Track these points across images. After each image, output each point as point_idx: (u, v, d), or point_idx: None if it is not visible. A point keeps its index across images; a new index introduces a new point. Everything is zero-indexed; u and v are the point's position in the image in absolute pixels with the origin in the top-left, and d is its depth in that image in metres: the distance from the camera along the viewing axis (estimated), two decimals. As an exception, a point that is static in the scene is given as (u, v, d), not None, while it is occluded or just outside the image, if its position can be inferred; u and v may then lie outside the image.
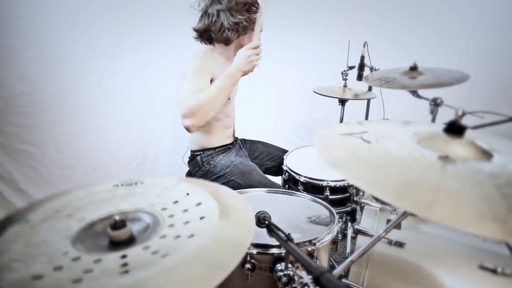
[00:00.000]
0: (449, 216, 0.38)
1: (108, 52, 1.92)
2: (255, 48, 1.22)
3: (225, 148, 1.55)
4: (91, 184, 0.63)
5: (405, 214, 0.55)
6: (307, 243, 0.81)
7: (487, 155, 0.52)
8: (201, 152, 1.51)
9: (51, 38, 1.77)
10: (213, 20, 1.31)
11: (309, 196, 1.11)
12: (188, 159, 1.59)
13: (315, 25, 2.23)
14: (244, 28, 1.34)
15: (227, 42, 1.37)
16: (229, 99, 1.45)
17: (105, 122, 2.03)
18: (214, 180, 1.47)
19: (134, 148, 2.16)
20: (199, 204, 0.56)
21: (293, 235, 0.63)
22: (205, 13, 1.35)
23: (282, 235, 0.60)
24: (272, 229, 0.65)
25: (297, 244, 0.71)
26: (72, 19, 1.79)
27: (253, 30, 1.35)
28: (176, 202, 0.58)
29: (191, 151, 1.56)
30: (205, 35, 1.39)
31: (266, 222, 0.66)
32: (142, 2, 1.93)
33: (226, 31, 1.32)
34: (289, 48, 2.26)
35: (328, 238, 0.86)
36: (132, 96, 2.07)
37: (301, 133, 2.49)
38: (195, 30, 1.39)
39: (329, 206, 1.03)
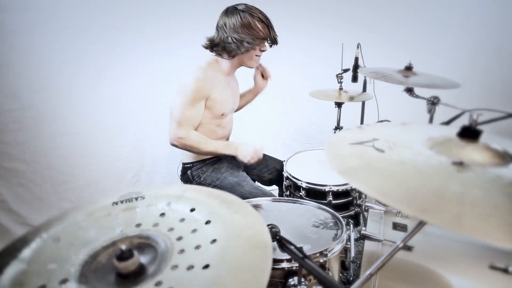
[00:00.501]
0: (480, 229, 0.36)
1: (98, 62, 1.88)
2: (258, 158, 1.42)
3: (216, 160, 1.53)
4: (88, 203, 0.59)
5: (421, 224, 0.53)
6: (318, 255, 0.79)
7: (504, 159, 0.50)
8: (191, 165, 1.51)
9: (38, 52, 1.71)
10: (222, 33, 1.33)
11: (314, 203, 1.09)
12: (181, 173, 1.59)
13: (309, 29, 2.23)
14: (246, 47, 1.34)
15: (232, 53, 1.37)
16: (222, 114, 1.44)
17: (97, 134, 1.98)
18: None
19: (128, 160, 2.10)
20: (208, 222, 0.53)
21: (303, 247, 0.61)
22: (217, 26, 1.37)
23: (296, 251, 0.58)
24: (284, 244, 0.63)
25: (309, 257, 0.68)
26: (60, 31, 1.74)
27: (254, 50, 1.37)
28: (182, 220, 0.55)
29: (183, 163, 1.56)
30: (214, 46, 1.39)
31: (277, 237, 0.63)
32: (134, 12, 1.90)
33: (229, 44, 1.32)
34: (286, 54, 2.25)
35: (338, 247, 0.84)
36: (124, 107, 2.03)
37: (298, 137, 2.48)
38: (209, 39, 1.39)
39: (335, 213, 1.02)
